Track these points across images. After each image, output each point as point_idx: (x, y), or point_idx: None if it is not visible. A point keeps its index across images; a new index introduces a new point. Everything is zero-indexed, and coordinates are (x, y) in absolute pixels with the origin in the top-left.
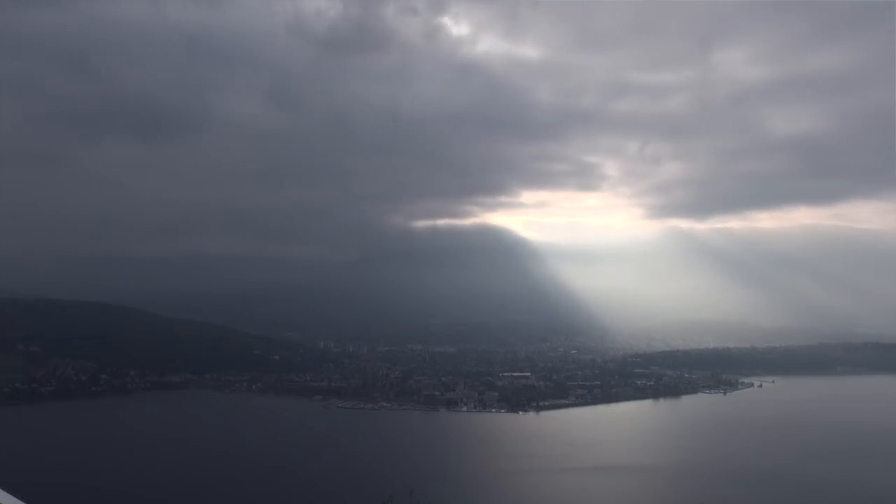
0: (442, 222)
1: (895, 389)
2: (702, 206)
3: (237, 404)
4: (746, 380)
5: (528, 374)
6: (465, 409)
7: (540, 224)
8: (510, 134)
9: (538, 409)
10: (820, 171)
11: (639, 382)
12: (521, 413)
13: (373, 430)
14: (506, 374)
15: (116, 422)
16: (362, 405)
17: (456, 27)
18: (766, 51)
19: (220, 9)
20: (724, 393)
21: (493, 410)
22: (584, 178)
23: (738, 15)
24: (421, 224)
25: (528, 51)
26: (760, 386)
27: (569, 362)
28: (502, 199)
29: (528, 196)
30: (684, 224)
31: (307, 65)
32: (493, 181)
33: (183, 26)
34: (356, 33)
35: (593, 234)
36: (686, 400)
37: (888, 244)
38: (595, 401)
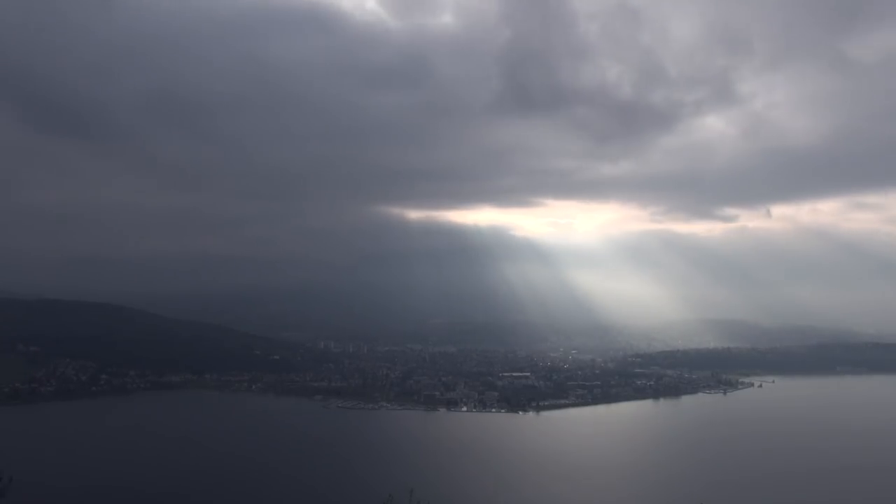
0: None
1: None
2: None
3: (237, 404)
4: (746, 379)
5: (528, 374)
6: (465, 409)
7: (540, 224)
8: None
9: (538, 409)
10: None
11: (639, 382)
12: (521, 413)
13: (373, 430)
14: (506, 374)
15: (116, 422)
16: (362, 405)
17: None
18: None
19: None
20: (725, 393)
21: (493, 410)
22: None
23: None
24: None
25: None
26: (760, 386)
27: (569, 362)
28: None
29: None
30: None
31: None
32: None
33: None
34: None
35: (592, 235)
36: (686, 400)
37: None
38: (595, 401)
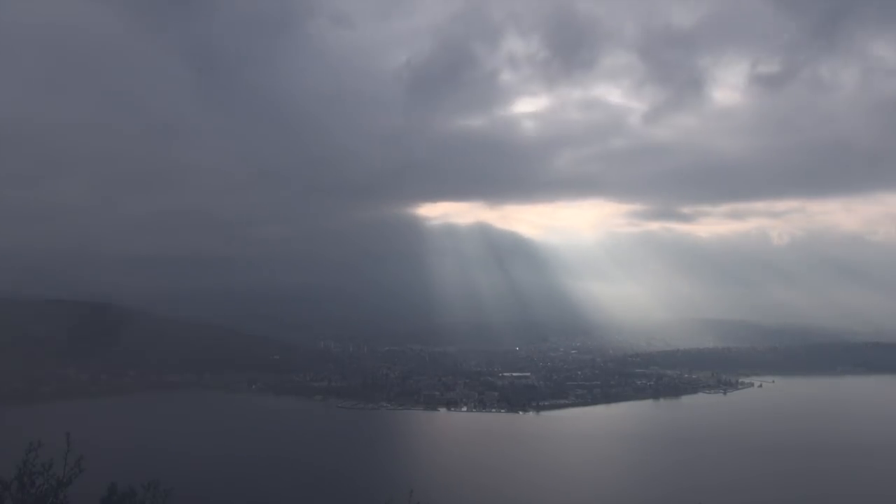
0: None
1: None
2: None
3: (237, 404)
4: (747, 380)
5: (528, 374)
6: (465, 409)
7: (540, 224)
8: None
9: (538, 409)
10: None
11: (638, 382)
12: (521, 413)
13: (372, 430)
14: (506, 374)
15: (115, 423)
16: (362, 405)
17: None
18: None
19: None
20: (725, 393)
21: (493, 410)
22: None
23: None
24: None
25: None
26: (761, 386)
27: (569, 362)
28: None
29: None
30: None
31: None
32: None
33: None
34: None
35: (591, 233)
36: (686, 400)
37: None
38: (595, 401)
